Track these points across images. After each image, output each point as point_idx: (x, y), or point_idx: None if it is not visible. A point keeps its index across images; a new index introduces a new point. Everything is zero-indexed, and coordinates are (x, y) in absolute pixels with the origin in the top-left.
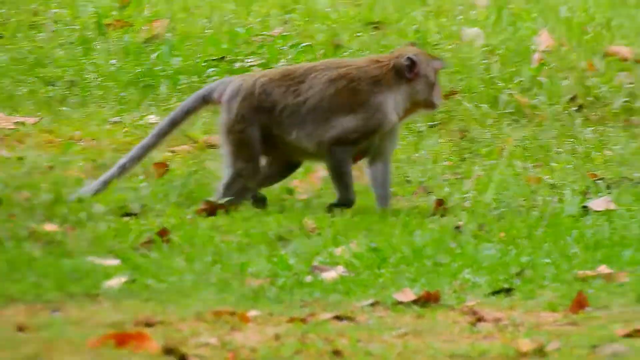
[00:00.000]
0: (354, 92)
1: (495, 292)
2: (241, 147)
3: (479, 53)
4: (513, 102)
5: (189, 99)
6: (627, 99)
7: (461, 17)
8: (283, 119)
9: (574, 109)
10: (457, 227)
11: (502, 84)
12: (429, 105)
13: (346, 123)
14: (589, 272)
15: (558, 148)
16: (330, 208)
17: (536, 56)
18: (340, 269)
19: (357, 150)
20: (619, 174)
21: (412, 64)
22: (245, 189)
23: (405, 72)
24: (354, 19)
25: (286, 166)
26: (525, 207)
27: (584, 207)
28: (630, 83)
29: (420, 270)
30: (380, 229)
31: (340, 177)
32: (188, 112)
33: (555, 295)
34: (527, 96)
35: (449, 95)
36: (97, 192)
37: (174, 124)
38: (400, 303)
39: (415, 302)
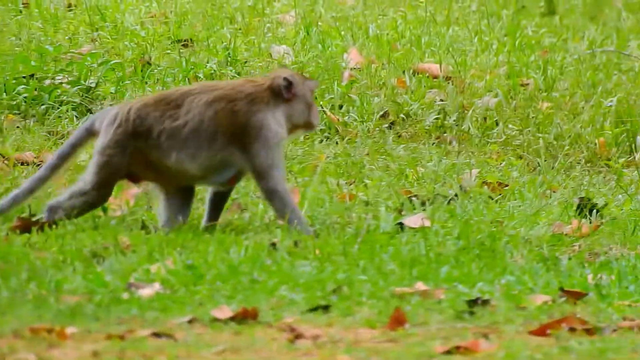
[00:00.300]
0: (233, 113)
1: (313, 309)
2: (102, 170)
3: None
4: (325, 119)
5: (74, 133)
6: (438, 116)
7: (270, 34)
8: (161, 142)
9: (386, 125)
10: (273, 244)
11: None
12: (308, 125)
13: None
14: (406, 289)
15: (371, 165)
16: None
17: (346, 74)
18: (157, 285)
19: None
20: (433, 190)
21: (289, 84)
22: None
23: (283, 93)
24: (162, 36)
25: (181, 195)
26: (340, 224)
27: (399, 224)
28: (441, 100)
29: (236, 287)
30: (195, 246)
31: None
32: (74, 146)
33: (373, 312)
34: (338, 113)
35: None
36: None
37: (63, 158)
38: (218, 320)
39: (232, 318)
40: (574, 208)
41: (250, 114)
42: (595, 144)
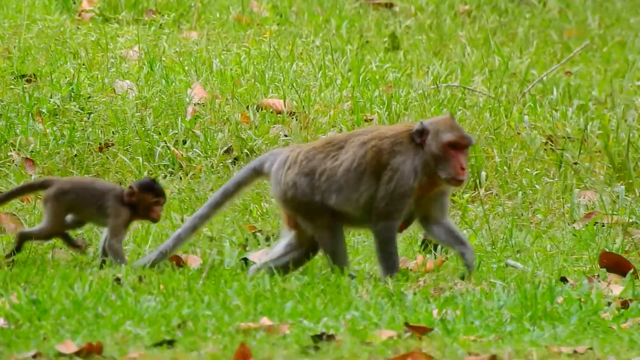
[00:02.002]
0: (379, 151)
1: (158, 344)
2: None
3: (132, 106)
4: (168, 154)
5: (241, 172)
6: None
7: (113, 69)
8: (321, 183)
9: (230, 161)
10: (117, 279)
11: (157, 136)
12: (444, 179)
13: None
14: (251, 324)
15: None
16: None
17: (190, 109)
18: (1, 320)
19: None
20: (277, 226)
21: (422, 130)
22: None
23: (415, 137)
24: (5, 71)
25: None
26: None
27: (244, 259)
28: (286, 135)
29: (81, 322)
30: (39, 281)
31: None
32: (240, 185)
33: (218, 347)
34: (182, 149)
35: (103, 147)
36: (155, 262)
37: (227, 196)
38: (63, 355)
39: (77, 353)
40: (419, 243)
41: (391, 155)
42: None
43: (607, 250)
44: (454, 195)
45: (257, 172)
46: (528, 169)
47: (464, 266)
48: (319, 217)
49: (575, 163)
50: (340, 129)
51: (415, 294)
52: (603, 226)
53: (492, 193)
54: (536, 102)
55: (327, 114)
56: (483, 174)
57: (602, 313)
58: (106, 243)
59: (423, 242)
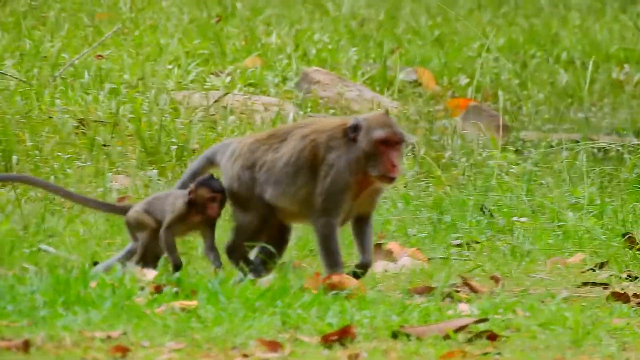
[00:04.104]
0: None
1: None
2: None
3: None
4: None
5: (195, 162)
6: None
7: None
8: (260, 175)
9: None
10: None
11: None
12: (376, 177)
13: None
14: None
15: None
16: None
17: None
18: None
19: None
20: None
21: (355, 127)
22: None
23: (348, 133)
24: None
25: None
26: None
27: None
28: None
29: None
30: None
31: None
32: (195, 175)
33: None
34: None
35: None
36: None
37: (185, 187)
38: None
39: None
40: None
41: (327, 151)
42: None
43: None
44: None
45: (211, 162)
46: (60, 153)
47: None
48: (254, 208)
49: (105, 145)
50: None
51: None
52: None
53: None
54: (67, 85)
55: None
56: (14, 158)
57: (135, 298)
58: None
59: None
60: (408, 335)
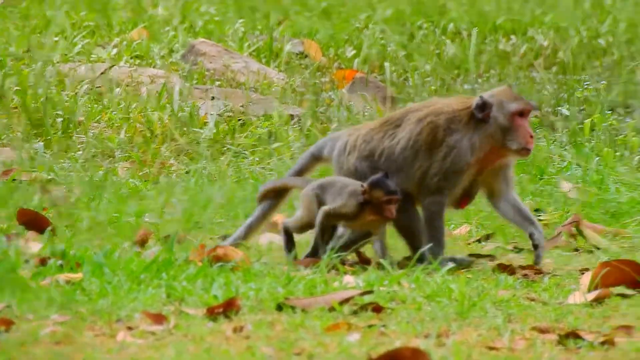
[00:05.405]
0: (434, 128)
1: None
2: None
3: None
4: None
5: (299, 160)
6: None
7: None
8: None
9: None
10: None
11: None
12: (512, 151)
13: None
14: None
15: None
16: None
17: None
18: None
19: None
20: None
21: (483, 104)
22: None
23: (475, 113)
24: None
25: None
26: None
27: None
28: None
29: None
30: None
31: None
32: (301, 172)
33: None
34: None
35: None
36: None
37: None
38: None
39: None
40: None
41: (447, 133)
42: None
43: (24, 207)
44: None
45: (317, 158)
46: None
47: (532, 246)
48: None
49: None
50: None
51: None
52: (21, 183)
53: None
54: None
55: None
56: None
57: (20, 270)
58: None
59: None
60: (293, 308)
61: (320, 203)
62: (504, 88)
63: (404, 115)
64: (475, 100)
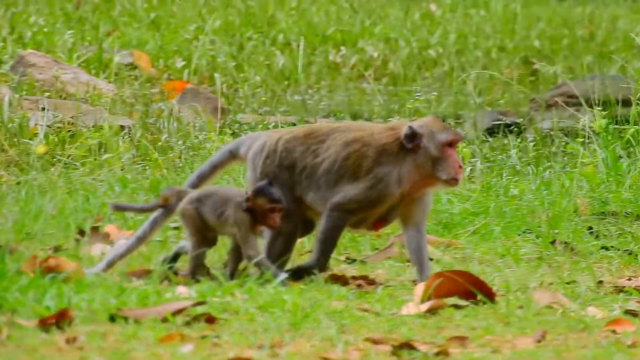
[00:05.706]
0: (363, 157)
1: None
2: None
3: None
4: None
5: (217, 154)
6: None
7: None
8: (302, 179)
9: None
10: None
11: None
12: (441, 181)
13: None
14: None
15: None
16: (298, 270)
17: None
18: None
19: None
20: None
21: (412, 134)
22: None
23: (405, 143)
24: None
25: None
26: None
27: None
28: None
29: None
30: None
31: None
32: (215, 167)
33: None
34: None
35: None
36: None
37: (202, 178)
38: None
39: None
40: None
41: (376, 164)
42: None
43: None
44: None
45: (233, 155)
46: None
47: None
48: (293, 211)
49: None
50: None
51: None
52: None
53: None
54: None
55: None
56: None
57: None
58: (230, 254)
59: None
60: (126, 318)
61: (201, 216)
62: (431, 118)
63: (330, 132)
64: (404, 130)
